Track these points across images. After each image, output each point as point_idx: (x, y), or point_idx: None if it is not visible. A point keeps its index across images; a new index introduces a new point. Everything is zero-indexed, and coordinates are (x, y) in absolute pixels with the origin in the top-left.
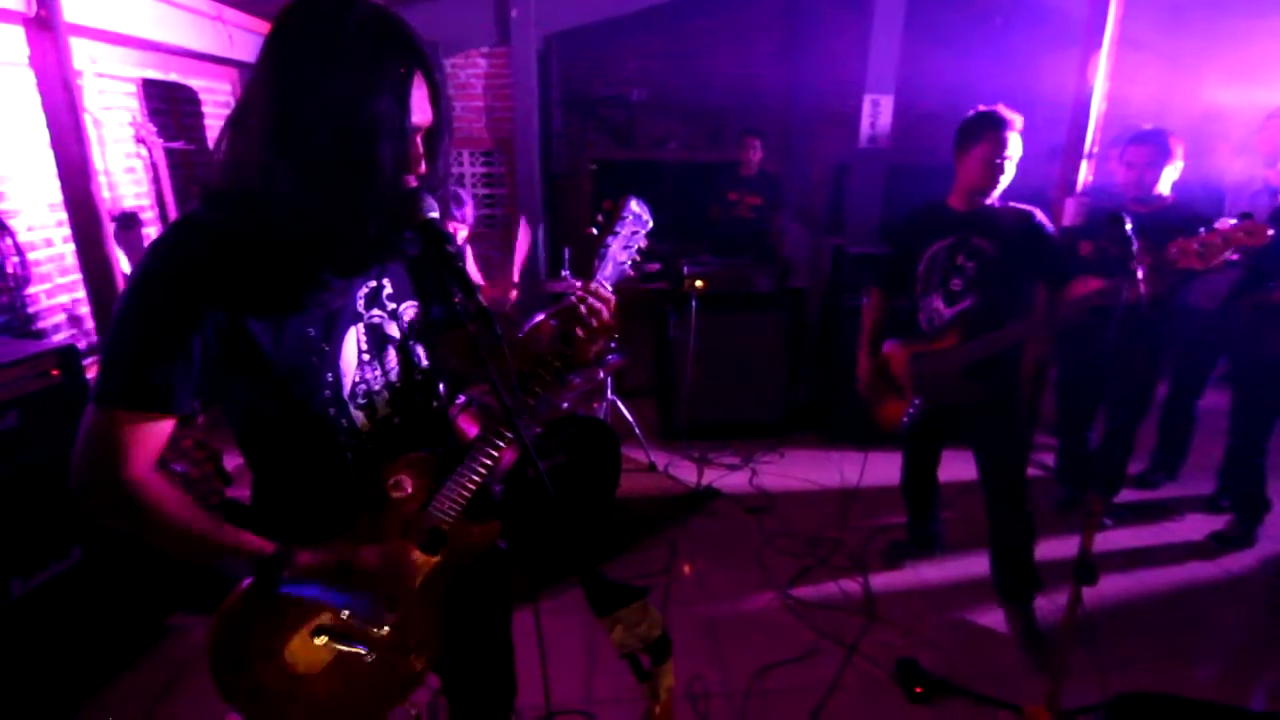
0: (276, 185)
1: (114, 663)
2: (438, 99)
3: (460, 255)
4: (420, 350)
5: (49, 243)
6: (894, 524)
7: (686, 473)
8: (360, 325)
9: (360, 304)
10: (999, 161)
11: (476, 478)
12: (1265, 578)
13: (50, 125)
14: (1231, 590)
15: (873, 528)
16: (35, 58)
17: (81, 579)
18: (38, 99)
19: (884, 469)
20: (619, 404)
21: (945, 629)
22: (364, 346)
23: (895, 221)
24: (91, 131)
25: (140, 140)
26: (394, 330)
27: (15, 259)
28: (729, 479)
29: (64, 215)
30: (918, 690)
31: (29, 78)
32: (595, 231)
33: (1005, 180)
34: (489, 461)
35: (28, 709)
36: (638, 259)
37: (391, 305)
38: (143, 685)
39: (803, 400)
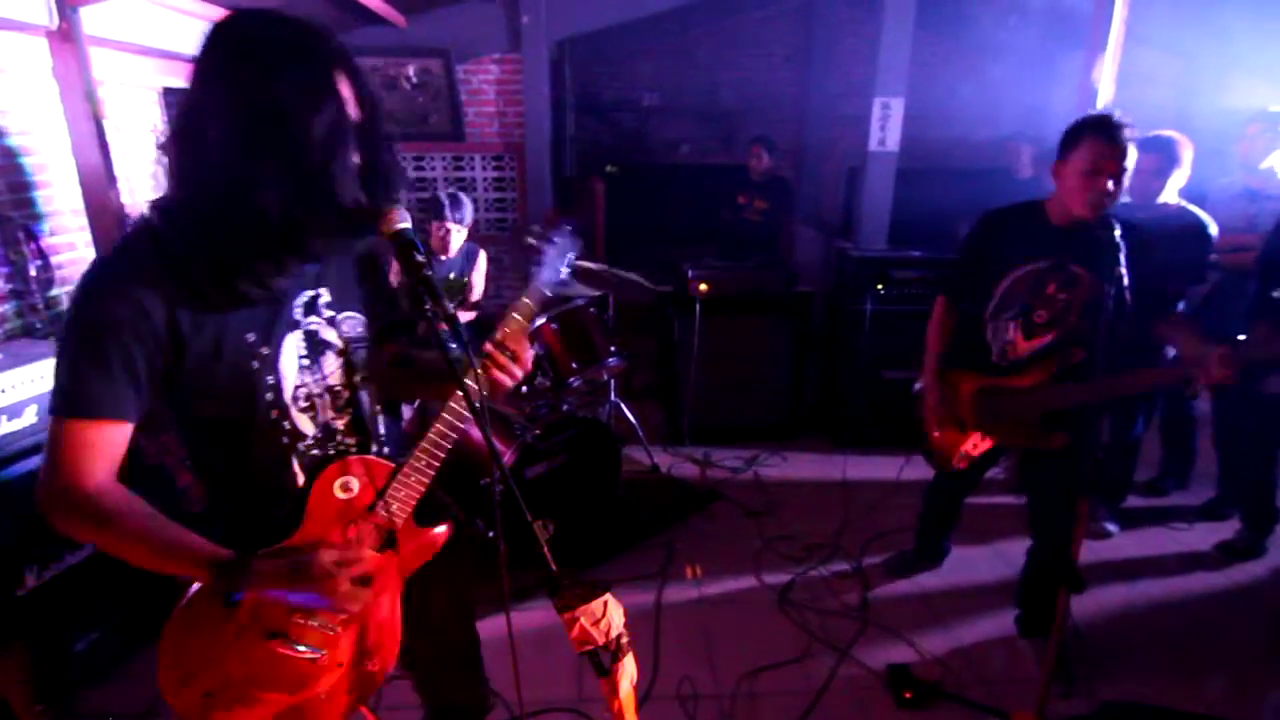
0: (239, 187)
1: (119, 653)
2: (363, 96)
3: (430, 263)
4: (360, 357)
5: (72, 246)
6: (894, 530)
7: (688, 475)
8: (299, 332)
9: (298, 312)
10: (1103, 174)
11: (424, 478)
12: (1273, 590)
13: (73, 133)
14: (1237, 602)
15: (872, 532)
16: (58, 69)
17: (92, 572)
18: (61, 108)
19: (886, 471)
20: (623, 406)
21: (939, 634)
22: (303, 352)
23: (980, 223)
24: (113, 139)
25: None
26: (332, 336)
27: (39, 263)
28: (731, 482)
29: (85, 220)
30: (907, 695)
31: (53, 88)
32: (532, 241)
33: (1113, 200)
34: (435, 462)
35: (37, 692)
36: (569, 270)
37: (329, 313)
38: (146, 676)
39: (807, 404)
